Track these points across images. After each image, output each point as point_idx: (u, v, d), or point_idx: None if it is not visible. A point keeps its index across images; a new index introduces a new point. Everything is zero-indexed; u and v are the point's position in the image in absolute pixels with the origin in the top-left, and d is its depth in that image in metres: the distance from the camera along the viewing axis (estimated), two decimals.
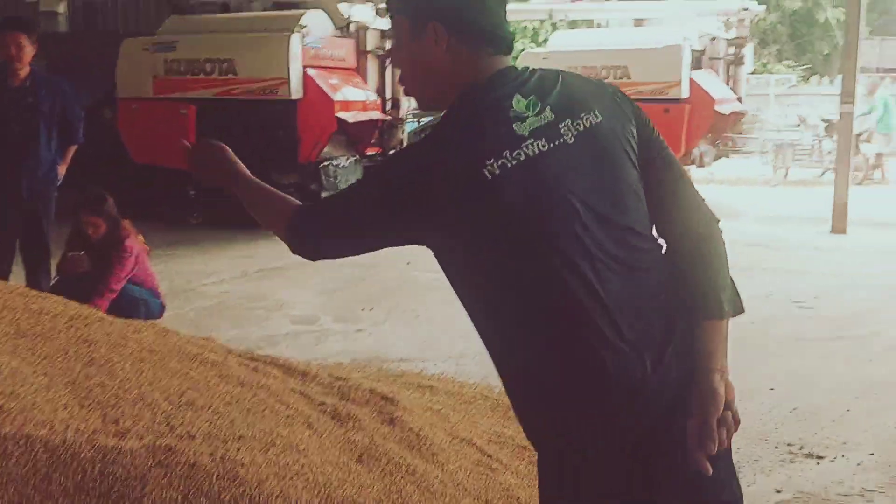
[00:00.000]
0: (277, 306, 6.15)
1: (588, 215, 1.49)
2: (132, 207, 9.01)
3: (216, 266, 7.46)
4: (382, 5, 9.36)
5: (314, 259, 1.71)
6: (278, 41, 8.60)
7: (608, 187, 1.53)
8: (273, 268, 7.36)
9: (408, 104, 9.87)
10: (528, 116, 1.51)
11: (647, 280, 1.53)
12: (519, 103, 1.52)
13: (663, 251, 1.59)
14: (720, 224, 1.61)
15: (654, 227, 1.60)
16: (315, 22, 9.01)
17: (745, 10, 11.94)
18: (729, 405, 1.52)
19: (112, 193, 5.25)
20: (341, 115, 8.70)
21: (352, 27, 9.45)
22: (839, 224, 9.12)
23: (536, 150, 1.49)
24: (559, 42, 11.55)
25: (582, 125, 1.54)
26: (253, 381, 3.09)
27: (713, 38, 11.57)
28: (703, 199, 1.62)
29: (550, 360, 1.50)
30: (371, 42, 9.54)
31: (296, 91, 8.62)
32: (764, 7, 14.10)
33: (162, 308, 5.31)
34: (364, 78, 9.47)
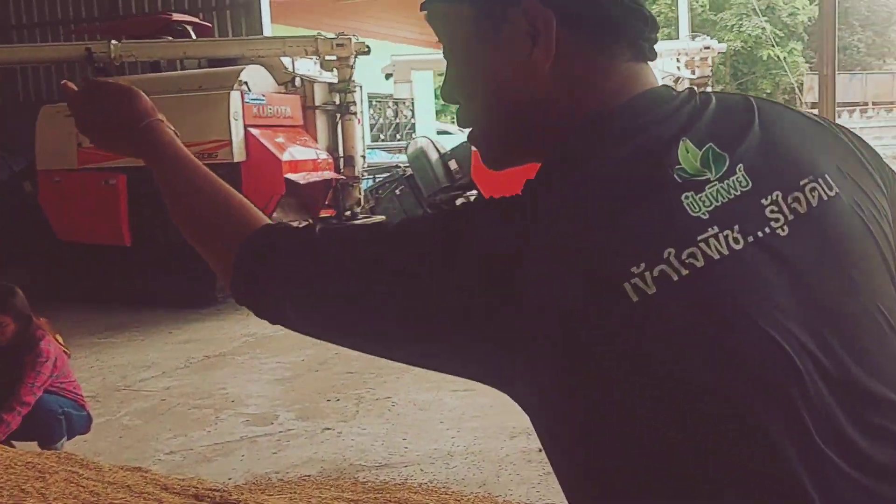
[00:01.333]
0: (227, 403, 5.27)
1: (814, 374, 0.74)
2: (59, 290, 8.29)
3: (156, 355, 6.55)
4: (329, 58, 8.66)
5: (270, 321, 0.97)
6: (216, 100, 7.82)
7: (851, 321, 0.79)
8: (220, 354, 6.48)
9: (362, 162, 9.12)
10: (707, 181, 0.78)
11: None
12: (688, 155, 0.79)
13: None
14: None
15: None
16: (255, 78, 8.26)
17: (707, 48, 11.56)
18: None
19: (35, 276, 4.37)
20: (290, 176, 7.91)
21: (297, 82, 8.71)
22: None
23: (724, 250, 0.76)
24: None
25: (804, 202, 0.81)
26: None
27: (677, 79, 11.13)
28: None
29: None
30: (319, 97, 8.81)
31: (238, 153, 7.83)
32: (725, 46, 13.80)
33: (88, 421, 4.40)
34: (313, 135, 8.72)
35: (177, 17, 9.77)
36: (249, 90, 8.02)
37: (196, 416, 5.05)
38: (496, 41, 0.86)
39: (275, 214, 7.98)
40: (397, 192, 11.14)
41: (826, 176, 0.83)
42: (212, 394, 5.47)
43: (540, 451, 4.15)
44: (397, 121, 18.04)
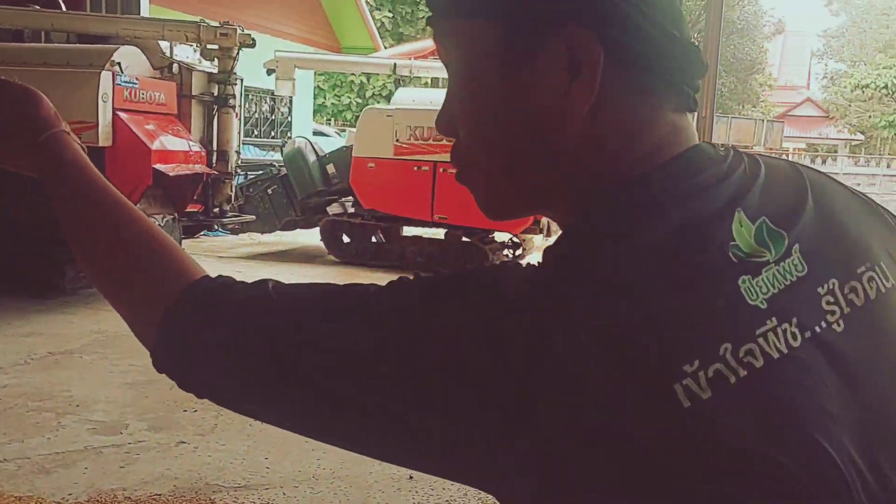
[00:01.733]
0: (72, 407, 4.87)
1: (861, 493, 0.65)
2: None
3: None
4: (211, 47, 8.28)
5: (196, 395, 0.80)
6: (85, 78, 7.31)
7: None
8: (66, 350, 6.01)
9: (236, 158, 8.75)
10: (765, 263, 0.68)
11: None
12: (742, 230, 0.68)
13: None
14: None
15: None
16: (130, 60, 7.78)
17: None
18: None
19: None
20: (159, 166, 7.48)
21: (174, 68, 8.27)
22: None
23: (783, 347, 0.65)
24: (403, 98, 10.84)
25: (861, 293, 0.71)
26: None
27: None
28: None
29: None
30: (197, 86, 8.39)
31: (104, 137, 7.33)
32: None
33: None
34: (187, 126, 8.30)
35: None
36: (122, 72, 7.55)
37: (35, 420, 4.64)
38: (527, 71, 0.71)
39: (139, 205, 7.53)
40: (269, 191, 10.81)
41: (881, 264, 0.74)
42: (54, 396, 5.04)
43: (410, 478, 4.03)
44: (273, 117, 17.59)
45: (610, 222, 0.69)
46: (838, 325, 0.68)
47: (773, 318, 0.65)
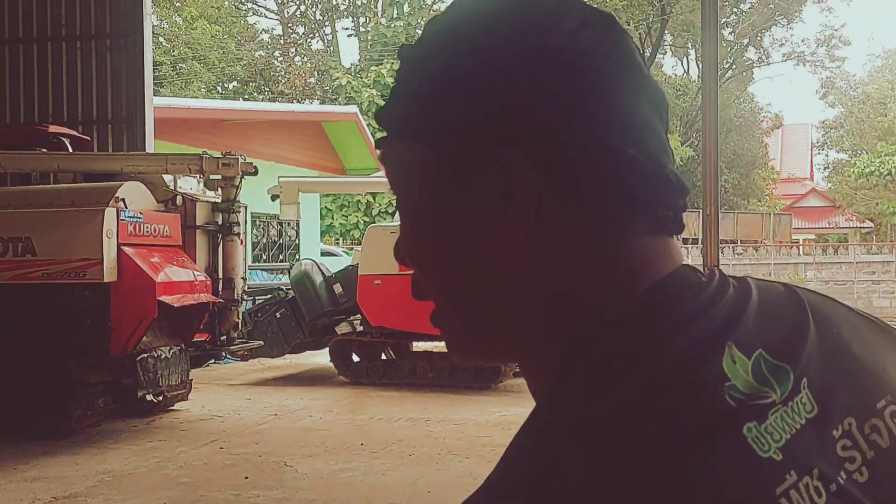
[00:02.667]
0: None
1: None
2: None
3: None
4: (214, 177, 8.42)
5: None
6: (89, 216, 7.40)
7: None
8: (71, 494, 5.86)
9: (243, 284, 8.77)
10: (770, 405, 0.58)
11: None
12: (737, 367, 0.59)
13: None
14: None
15: None
16: (134, 195, 7.91)
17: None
18: None
19: None
20: (164, 298, 7.49)
21: (178, 200, 8.39)
22: None
23: None
24: None
25: (885, 432, 0.62)
26: None
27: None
28: None
29: None
30: (201, 216, 8.50)
31: (109, 273, 7.37)
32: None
33: None
34: (192, 256, 8.35)
35: (53, 128, 9.35)
36: (126, 207, 7.65)
37: None
38: (459, 200, 0.65)
39: (144, 338, 7.51)
40: (277, 314, 10.78)
41: None
42: None
43: None
44: (281, 241, 17.76)
45: (578, 377, 0.60)
46: (861, 473, 0.58)
47: (793, 472, 0.56)
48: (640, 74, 0.66)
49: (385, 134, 0.70)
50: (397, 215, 0.74)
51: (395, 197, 0.71)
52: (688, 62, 38.51)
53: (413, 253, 0.69)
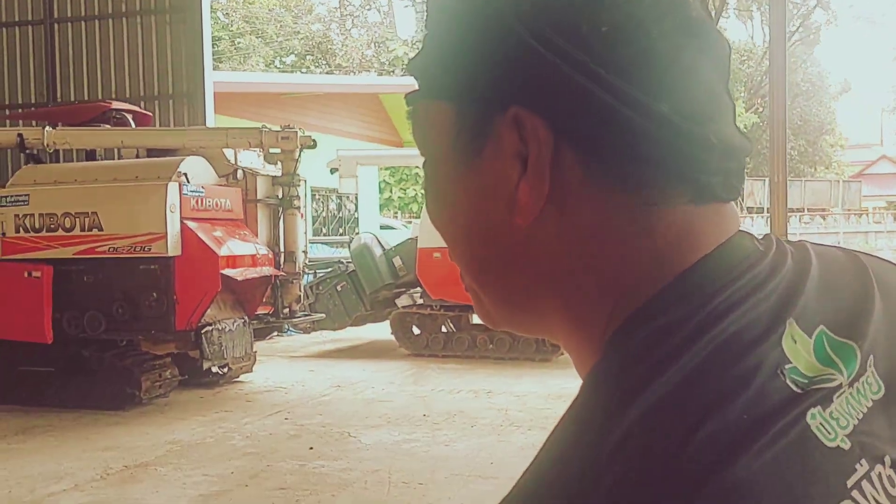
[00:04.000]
0: None
1: None
2: None
3: (71, 463, 6.02)
4: (273, 150, 8.44)
5: None
6: (152, 191, 7.50)
7: None
8: (141, 463, 5.97)
9: (304, 257, 8.82)
10: (836, 388, 0.51)
11: None
12: (797, 347, 0.52)
13: None
14: None
15: None
16: (196, 169, 7.98)
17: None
18: None
19: None
20: (227, 272, 7.57)
21: (239, 174, 8.45)
22: None
23: (883, 499, 0.49)
24: None
25: None
26: None
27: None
28: None
29: None
30: (261, 190, 8.55)
31: (173, 247, 7.47)
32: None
33: None
34: (254, 229, 8.42)
35: (116, 104, 9.49)
36: (188, 181, 7.73)
37: None
38: (477, 162, 0.59)
39: (209, 312, 7.61)
40: (338, 288, 10.83)
41: None
42: None
43: None
44: (340, 214, 17.86)
45: (623, 383, 0.52)
46: None
47: (863, 461, 0.50)
48: (683, 13, 0.58)
49: (416, 88, 0.65)
50: None
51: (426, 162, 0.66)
52: (752, 26, 37.50)
53: (433, 214, 0.65)
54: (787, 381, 0.51)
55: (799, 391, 0.50)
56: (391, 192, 24.71)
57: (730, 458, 0.47)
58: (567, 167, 0.56)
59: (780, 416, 0.49)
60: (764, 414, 0.49)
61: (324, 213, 16.95)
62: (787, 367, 0.51)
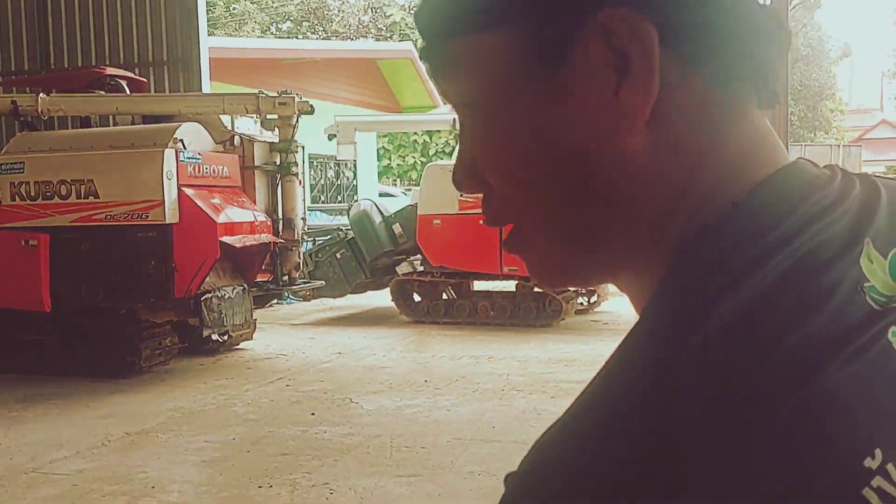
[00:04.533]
0: (147, 490, 4.78)
1: None
2: None
3: (71, 431, 6.00)
4: (270, 117, 8.34)
5: None
6: (149, 157, 7.41)
7: None
8: (141, 430, 5.96)
9: (303, 224, 8.75)
10: None
11: None
12: (874, 268, 0.50)
13: None
14: None
15: None
16: (192, 136, 7.89)
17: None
18: None
19: None
20: (226, 239, 7.51)
21: (236, 140, 8.35)
22: None
23: None
24: None
25: None
26: None
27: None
28: None
29: None
30: (259, 156, 8.46)
31: (171, 214, 7.40)
32: None
33: None
34: (252, 196, 8.34)
35: (110, 71, 9.36)
36: (185, 148, 7.64)
37: None
38: (561, 82, 0.54)
39: (208, 279, 7.56)
40: (338, 255, 10.78)
41: None
42: (130, 478, 4.96)
43: None
44: (339, 182, 17.76)
45: (692, 300, 0.50)
46: None
47: None
48: None
49: (447, 28, 0.58)
50: (455, 154, 0.62)
51: (455, 112, 0.61)
52: None
53: (493, 167, 0.58)
54: (867, 299, 0.49)
55: (879, 308, 0.49)
56: (390, 159, 24.58)
57: (816, 368, 0.45)
58: (666, 70, 0.52)
59: (863, 330, 0.47)
60: (847, 328, 0.47)
61: (322, 181, 16.85)
62: (866, 284, 0.49)
